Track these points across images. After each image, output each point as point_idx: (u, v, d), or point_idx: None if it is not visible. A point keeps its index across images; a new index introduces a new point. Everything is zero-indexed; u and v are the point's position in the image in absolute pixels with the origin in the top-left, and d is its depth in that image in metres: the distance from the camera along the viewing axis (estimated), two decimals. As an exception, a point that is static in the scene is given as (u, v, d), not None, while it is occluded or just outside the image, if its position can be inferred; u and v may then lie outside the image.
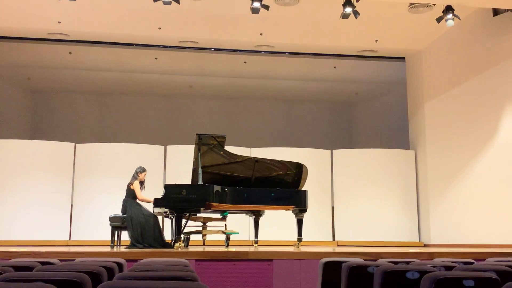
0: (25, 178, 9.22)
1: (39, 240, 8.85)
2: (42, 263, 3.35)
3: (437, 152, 9.68)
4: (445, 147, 9.60)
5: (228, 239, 7.59)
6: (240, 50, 10.60)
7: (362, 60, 10.93)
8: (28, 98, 12.45)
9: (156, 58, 10.93)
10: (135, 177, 7.51)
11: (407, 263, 3.82)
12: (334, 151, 10.33)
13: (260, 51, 10.54)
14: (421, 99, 10.11)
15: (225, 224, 7.74)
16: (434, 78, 9.95)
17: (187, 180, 7.43)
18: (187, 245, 7.59)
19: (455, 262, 3.94)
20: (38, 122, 12.39)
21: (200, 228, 7.65)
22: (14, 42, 10.12)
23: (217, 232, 7.60)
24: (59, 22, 9.15)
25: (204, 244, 8.09)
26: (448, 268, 3.45)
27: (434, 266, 3.29)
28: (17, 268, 2.90)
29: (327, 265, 3.97)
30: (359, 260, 3.88)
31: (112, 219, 7.42)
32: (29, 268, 2.99)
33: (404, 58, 10.84)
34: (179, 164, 9.41)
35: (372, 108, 12.96)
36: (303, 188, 7.56)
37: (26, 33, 9.71)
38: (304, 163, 7.63)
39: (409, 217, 9.96)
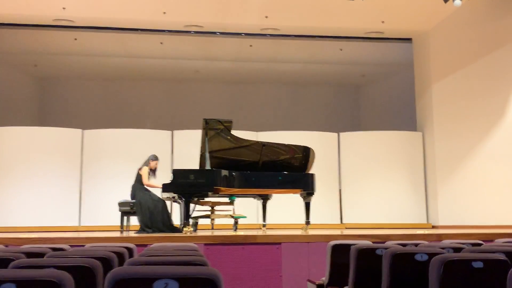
0: (34, 165, 9.27)
1: (49, 226, 8.93)
2: (53, 249, 3.39)
3: (445, 133, 9.64)
4: (453, 128, 9.56)
5: (236, 223, 7.63)
6: (246, 34, 10.54)
7: (368, 42, 10.84)
8: (35, 85, 12.48)
9: (161, 43, 10.89)
10: (146, 163, 7.56)
11: (416, 245, 3.83)
12: (341, 134, 10.31)
13: (265, 34, 10.47)
14: (428, 80, 10.04)
15: (233, 208, 7.78)
16: (441, 59, 9.87)
17: (195, 165, 7.46)
18: (195, 230, 7.64)
19: (463, 243, 3.95)
20: (45, 109, 12.43)
21: (209, 213, 7.69)
22: (20, 29, 10.11)
23: (225, 216, 7.64)
24: (64, 8, 9.12)
25: (212, 228, 8.15)
26: (457, 249, 3.45)
27: (442, 248, 3.30)
28: (29, 255, 2.94)
29: (335, 248, 3.99)
30: (367, 243, 3.89)
31: (121, 204, 7.47)
32: (40, 255, 3.02)
33: (411, 39, 10.74)
34: (186, 149, 9.43)
35: (379, 90, 12.89)
36: (310, 172, 7.57)
37: (32, 20, 9.70)
38: (311, 147, 7.63)
39: (417, 199, 9.96)
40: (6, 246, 4.94)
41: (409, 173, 10.02)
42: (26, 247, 3.68)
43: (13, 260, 2.40)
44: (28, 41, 10.63)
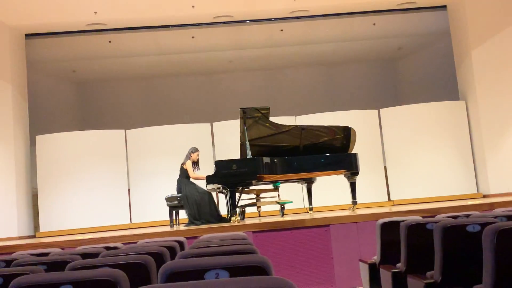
0: (82, 169, 9.54)
1: (102, 226, 9.20)
2: (107, 248, 3.49)
3: (489, 99, 9.34)
4: (497, 93, 9.26)
5: (282, 208, 7.65)
6: (275, 19, 10.47)
7: (401, 14, 10.58)
8: (75, 90, 12.80)
9: (193, 37, 10.96)
10: (188, 156, 7.67)
11: (467, 216, 3.75)
12: (381, 110, 10.13)
13: (295, 17, 10.37)
14: (467, 47, 9.73)
15: (278, 194, 7.80)
16: (479, 24, 9.54)
17: (236, 155, 7.50)
18: (243, 218, 7.71)
19: (517, 211, 3.84)
20: (87, 113, 12.74)
21: (254, 201, 7.74)
22: (56, 37, 10.38)
23: (271, 202, 7.67)
24: (96, 13, 9.29)
25: (259, 216, 8.20)
26: (510, 218, 3.36)
27: (495, 217, 3.22)
28: (84, 256, 3.04)
29: (384, 225, 3.95)
30: (417, 218, 3.84)
31: (168, 199, 7.61)
32: (95, 255, 3.12)
33: (445, 6, 10.41)
34: (226, 140, 9.50)
35: (417, 62, 12.58)
36: (353, 151, 7.50)
37: (66, 27, 9.93)
38: (351, 126, 7.55)
39: (465, 169, 9.72)
40: (62, 249, 5.12)
41: (455, 143, 9.78)
42: (81, 248, 3.80)
43: (69, 262, 2.49)
44: (64, 48, 10.90)
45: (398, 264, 3.66)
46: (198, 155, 7.77)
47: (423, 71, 12.35)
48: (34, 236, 9.40)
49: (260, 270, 1.80)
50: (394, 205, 9.52)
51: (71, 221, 9.29)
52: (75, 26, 9.90)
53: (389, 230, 3.89)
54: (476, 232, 2.90)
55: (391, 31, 11.45)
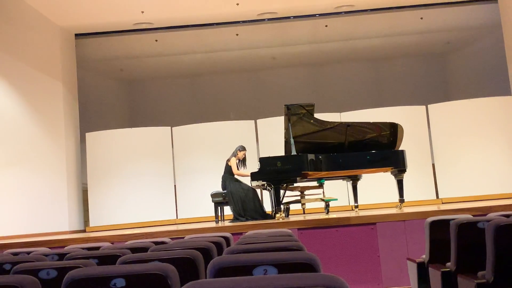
0: (129, 165, 9.76)
1: (150, 221, 9.40)
2: (156, 243, 3.56)
3: (544, 94, 8.99)
4: (553, 88, 8.89)
5: (327, 205, 7.60)
6: (320, 14, 10.39)
7: (450, 7, 10.30)
8: (123, 88, 13.09)
9: (237, 35, 11.02)
10: (234, 154, 7.73)
11: (521, 215, 3.62)
12: (429, 106, 9.90)
13: (340, 12, 10.26)
14: (520, 40, 9.38)
15: (323, 191, 7.75)
16: (533, 15, 9.19)
17: (280, 152, 7.50)
18: (287, 215, 7.70)
19: None
20: (134, 110, 13.01)
21: (299, 197, 7.72)
22: (104, 37, 10.67)
23: (316, 199, 7.62)
24: (143, 12, 9.48)
25: (304, 213, 8.17)
26: None
27: (551, 217, 3.10)
28: (134, 250, 3.10)
29: (433, 224, 3.86)
30: (467, 217, 3.74)
31: (214, 195, 7.69)
32: (144, 249, 3.18)
33: (496, -2, 10.09)
34: (270, 137, 9.50)
35: (467, 56, 12.22)
36: (400, 148, 7.36)
37: (114, 27, 10.19)
38: (398, 122, 7.41)
39: (518, 167, 9.38)
40: (112, 243, 5.25)
41: (506, 140, 9.45)
42: (130, 242, 3.89)
43: (120, 256, 2.55)
44: (112, 47, 11.17)
45: (448, 264, 3.57)
46: (244, 154, 7.82)
47: (473, 66, 11.98)
48: (84, 231, 9.70)
49: (309, 267, 1.79)
50: (443, 203, 9.29)
51: (120, 216, 9.53)
52: (122, 26, 10.14)
53: (439, 229, 3.80)
54: (532, 232, 2.79)
55: (440, 25, 11.16)
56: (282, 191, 7.15)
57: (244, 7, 9.58)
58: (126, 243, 3.88)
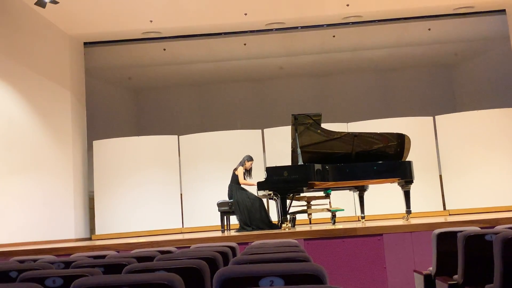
0: (137, 173, 9.78)
1: (156, 230, 9.40)
2: (161, 252, 3.55)
3: (552, 106, 8.93)
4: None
5: (334, 216, 7.57)
6: (328, 25, 10.41)
7: (458, 18, 10.29)
8: (130, 97, 13.15)
9: (245, 44, 11.06)
10: (241, 163, 7.73)
11: (529, 228, 3.59)
12: (436, 117, 9.87)
13: (348, 23, 10.28)
14: (528, 51, 9.35)
15: (330, 202, 7.72)
16: (541, 27, 9.16)
17: (287, 162, 7.49)
18: (293, 225, 7.68)
19: None
20: (141, 119, 13.05)
21: (305, 208, 7.70)
22: (112, 46, 10.73)
23: (322, 210, 7.59)
24: (151, 21, 9.54)
25: (310, 223, 8.14)
26: None
27: (560, 230, 3.07)
28: (140, 259, 3.10)
29: (441, 236, 3.84)
30: (475, 229, 3.71)
31: (220, 204, 7.68)
32: (150, 258, 3.18)
33: (504, 10, 10.06)
34: (277, 146, 9.50)
35: (474, 68, 12.18)
36: (407, 159, 7.34)
37: (122, 36, 10.25)
38: (405, 133, 7.39)
39: (526, 179, 9.31)
40: (118, 251, 5.25)
41: (515, 152, 9.40)
42: (136, 251, 3.89)
43: (126, 265, 2.54)
44: (121, 56, 11.24)
45: (455, 276, 3.54)
46: (251, 164, 7.82)
47: (481, 77, 11.95)
48: (90, 238, 9.71)
49: (315, 279, 1.78)
50: (450, 214, 9.24)
51: (126, 224, 9.54)
52: (131, 35, 10.20)
53: (446, 241, 3.78)
54: (541, 245, 2.76)
55: (447, 36, 11.15)
56: (288, 201, 7.13)
57: (252, 17, 9.62)
58: (132, 251, 3.88)
